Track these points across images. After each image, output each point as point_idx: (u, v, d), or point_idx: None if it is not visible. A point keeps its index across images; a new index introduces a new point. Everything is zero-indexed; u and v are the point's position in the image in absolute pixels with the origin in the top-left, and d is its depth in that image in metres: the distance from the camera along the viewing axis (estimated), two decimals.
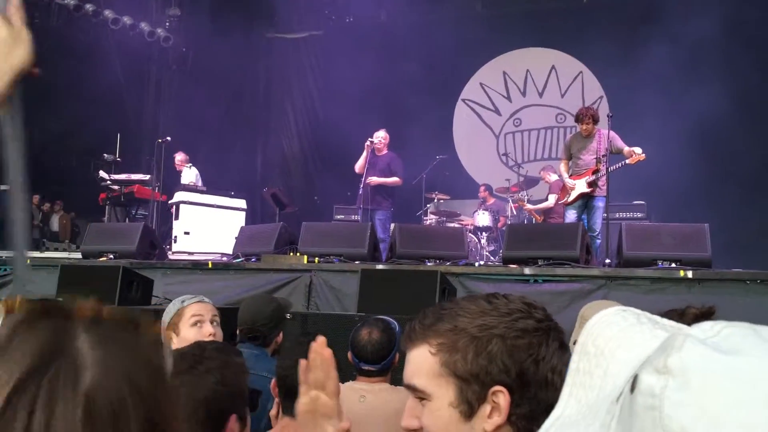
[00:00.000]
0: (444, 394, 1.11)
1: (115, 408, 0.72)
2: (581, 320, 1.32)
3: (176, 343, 2.55)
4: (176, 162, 9.89)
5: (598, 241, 7.30)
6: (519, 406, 1.09)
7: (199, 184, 9.81)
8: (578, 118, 7.57)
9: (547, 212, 9.49)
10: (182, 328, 2.64)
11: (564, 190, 7.73)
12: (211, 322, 2.70)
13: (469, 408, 1.10)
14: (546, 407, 1.08)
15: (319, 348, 1.29)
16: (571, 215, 7.55)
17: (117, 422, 0.72)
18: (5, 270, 6.87)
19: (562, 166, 7.72)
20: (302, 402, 1.29)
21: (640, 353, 0.58)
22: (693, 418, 0.49)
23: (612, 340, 0.64)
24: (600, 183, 7.30)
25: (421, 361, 1.14)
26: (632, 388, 0.54)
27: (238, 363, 1.73)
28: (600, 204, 7.33)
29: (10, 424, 0.67)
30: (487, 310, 1.13)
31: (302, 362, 1.28)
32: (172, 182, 9.82)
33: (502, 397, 1.09)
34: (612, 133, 7.42)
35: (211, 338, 2.62)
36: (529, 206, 9.74)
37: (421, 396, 1.14)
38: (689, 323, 1.42)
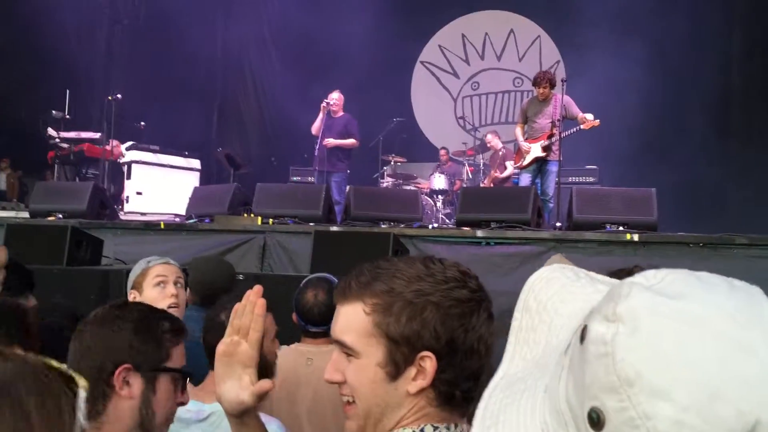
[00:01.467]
0: (373, 353, 1.13)
1: None
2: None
3: (140, 300, 2.57)
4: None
5: (551, 205, 7.42)
6: (444, 372, 1.11)
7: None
8: (535, 82, 7.62)
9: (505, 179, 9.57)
10: (146, 288, 2.67)
11: (519, 153, 7.81)
12: (175, 284, 2.72)
13: (395, 369, 1.12)
14: (469, 374, 1.11)
15: (253, 296, 1.29)
16: (525, 179, 7.65)
17: None
18: None
19: (518, 130, 7.78)
20: (222, 342, 1.29)
21: (583, 306, 0.59)
22: (645, 360, 0.51)
23: (554, 295, 0.65)
24: (554, 148, 7.39)
25: (354, 319, 1.15)
26: (581, 339, 0.55)
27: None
28: (553, 168, 7.44)
29: None
30: (423, 276, 1.14)
31: (236, 306, 1.29)
32: (123, 140, 9.58)
33: (429, 362, 1.11)
34: (567, 98, 7.50)
35: (173, 299, 2.67)
36: (499, 176, 9.70)
37: (348, 352, 1.16)
38: None
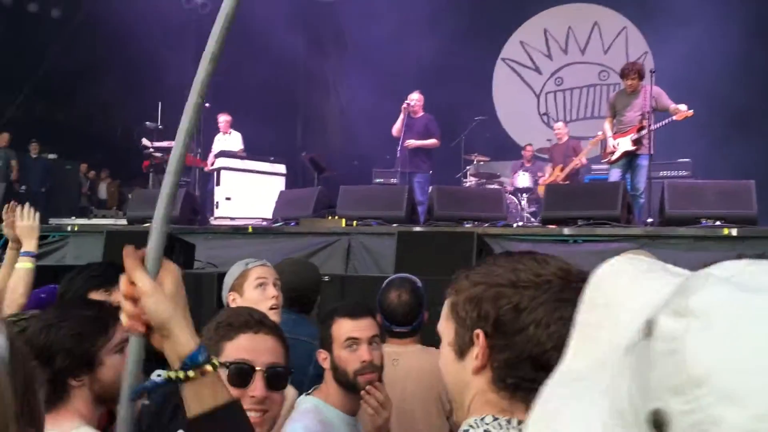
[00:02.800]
0: (448, 333, 1.19)
1: None
2: None
3: (240, 303, 2.62)
4: (220, 123, 9.93)
5: (642, 201, 7.16)
6: (500, 352, 1.13)
7: (238, 147, 9.89)
8: (623, 74, 7.37)
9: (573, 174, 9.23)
10: (246, 290, 2.69)
11: (606, 148, 7.56)
12: (274, 285, 2.74)
13: (460, 348, 1.16)
14: (526, 358, 1.12)
15: None
16: (615, 174, 7.37)
17: None
18: (54, 237, 7.08)
19: (607, 124, 7.54)
20: None
21: (652, 300, 0.54)
22: (718, 359, 0.46)
23: (622, 289, 0.60)
24: (644, 141, 7.13)
25: (445, 305, 1.22)
26: (648, 334, 0.51)
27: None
28: (644, 162, 7.16)
29: None
30: (501, 263, 1.18)
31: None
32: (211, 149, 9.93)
33: (481, 339, 1.14)
34: (657, 89, 7.22)
35: (274, 300, 2.69)
36: (561, 174, 9.40)
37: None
38: None
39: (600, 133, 7.48)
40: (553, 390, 0.59)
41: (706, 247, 5.17)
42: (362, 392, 2.24)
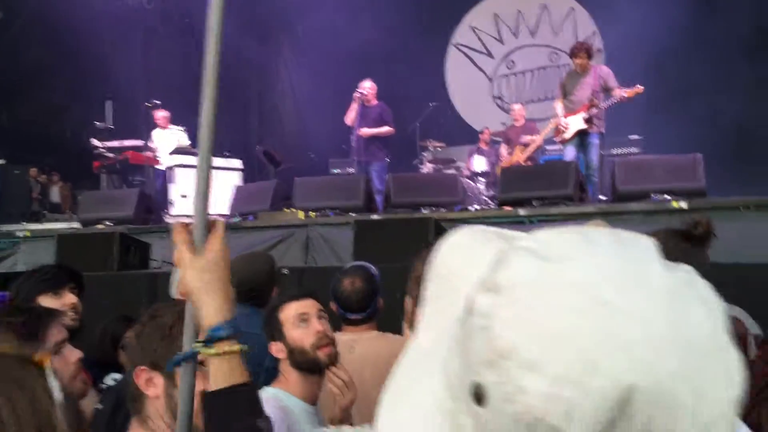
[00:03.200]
0: (407, 311, 1.28)
1: None
2: None
3: None
4: (158, 119, 9.56)
5: (595, 179, 7.27)
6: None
7: (186, 143, 9.65)
8: (572, 54, 7.46)
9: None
10: None
11: (558, 129, 7.64)
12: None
13: (413, 326, 1.23)
14: None
15: None
16: (570, 153, 7.43)
17: None
18: (3, 243, 6.91)
19: (558, 104, 7.61)
20: None
21: (484, 272, 0.55)
22: (521, 333, 0.48)
23: (461, 260, 0.62)
24: (595, 120, 7.23)
25: None
26: (469, 310, 0.53)
27: None
28: (595, 141, 7.28)
29: None
30: None
31: None
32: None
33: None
34: (606, 68, 7.32)
35: None
36: (522, 156, 9.48)
37: None
38: (687, 233, 1.42)
39: (556, 118, 7.55)
40: (404, 367, 0.60)
41: (658, 221, 5.26)
42: (327, 372, 2.27)
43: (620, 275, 0.49)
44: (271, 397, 2.25)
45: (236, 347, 1.17)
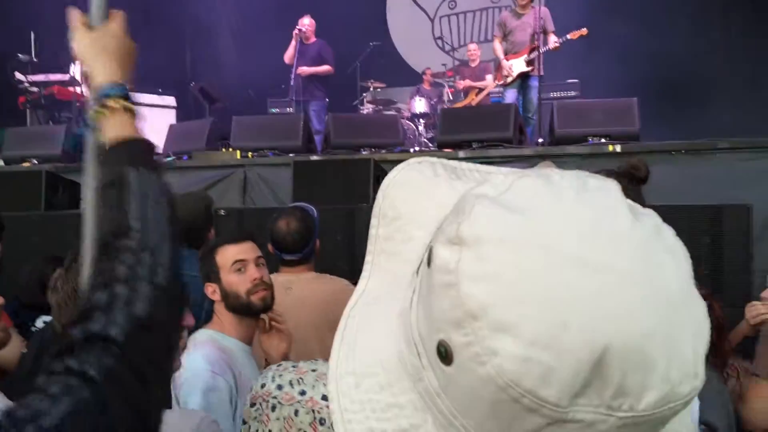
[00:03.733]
0: None
1: None
2: None
3: None
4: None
5: (533, 121, 7.33)
6: None
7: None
8: None
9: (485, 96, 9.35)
10: None
11: (499, 69, 7.62)
12: None
13: None
14: None
15: None
16: (510, 95, 7.45)
17: None
18: None
19: (497, 44, 7.56)
20: None
21: (438, 213, 0.53)
22: (491, 293, 0.46)
23: (409, 198, 0.58)
24: (535, 62, 7.23)
25: None
26: (428, 262, 0.50)
27: None
28: (534, 84, 7.31)
29: None
30: None
31: None
32: None
33: None
34: (545, 10, 7.30)
35: None
36: (476, 99, 9.42)
37: None
38: (624, 173, 1.43)
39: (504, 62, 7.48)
40: (351, 316, 0.57)
41: (594, 164, 5.35)
42: (263, 316, 2.27)
43: (591, 227, 0.47)
44: (208, 339, 2.24)
45: (128, 105, 1.15)
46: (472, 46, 9.86)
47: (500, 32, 7.54)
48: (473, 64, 9.58)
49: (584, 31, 7.05)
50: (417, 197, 0.58)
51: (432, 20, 12.76)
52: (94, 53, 1.19)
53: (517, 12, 7.35)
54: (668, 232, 0.50)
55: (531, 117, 7.29)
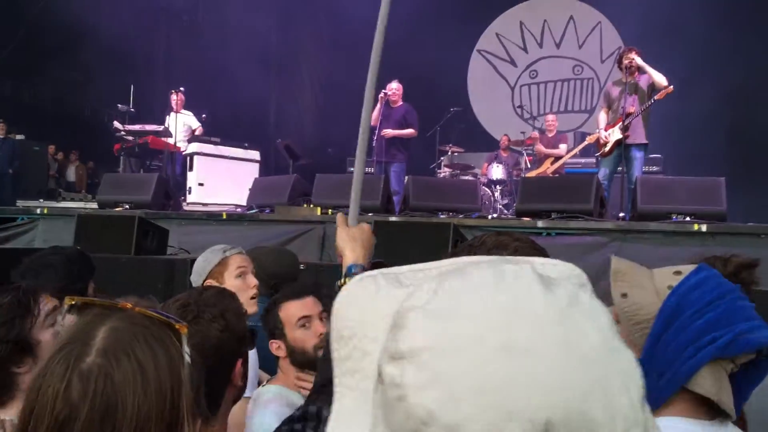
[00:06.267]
0: None
1: (112, 383, 0.93)
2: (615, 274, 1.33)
3: None
4: (173, 102, 9.49)
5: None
6: None
7: (195, 127, 9.62)
8: (622, 55, 7.08)
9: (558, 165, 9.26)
10: (227, 278, 2.63)
11: (598, 142, 7.30)
12: (253, 274, 2.72)
13: None
14: None
15: None
16: (602, 173, 7.08)
17: (112, 398, 0.93)
18: (22, 219, 6.95)
19: (602, 115, 7.22)
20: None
21: (385, 324, 0.57)
22: (435, 400, 0.49)
23: (360, 318, 0.62)
24: (638, 129, 6.90)
25: None
26: (380, 380, 0.54)
27: (236, 306, 1.77)
28: (638, 155, 6.95)
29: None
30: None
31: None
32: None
33: None
34: (646, 76, 7.02)
35: (254, 290, 2.66)
36: (552, 168, 9.32)
37: None
38: (733, 271, 1.43)
39: (597, 130, 7.26)
40: (337, 429, 0.60)
41: (677, 242, 5.26)
42: None
43: (511, 315, 0.51)
44: (276, 395, 2.26)
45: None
46: (550, 117, 9.88)
47: (605, 103, 7.30)
48: (550, 134, 9.60)
49: (670, 88, 6.81)
50: (364, 313, 0.61)
51: (512, 88, 12.91)
52: (348, 242, 1.61)
53: (621, 81, 7.16)
54: (583, 297, 0.54)
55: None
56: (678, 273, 1.26)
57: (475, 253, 1.33)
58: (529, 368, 0.49)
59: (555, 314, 0.51)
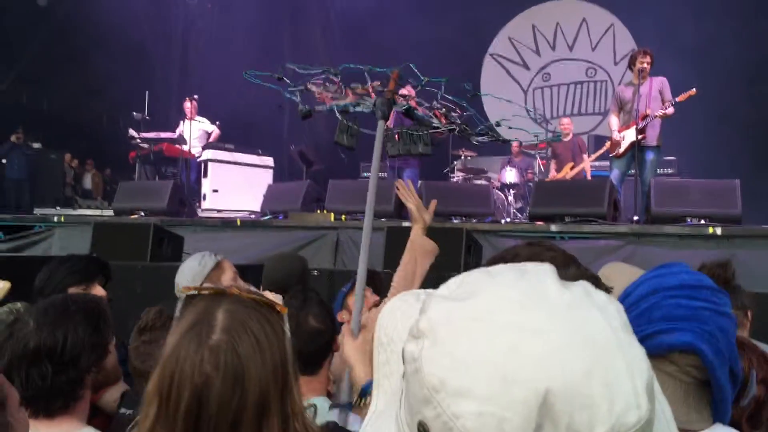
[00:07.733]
0: None
1: (237, 356, 1.10)
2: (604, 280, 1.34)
3: None
4: (186, 109, 9.51)
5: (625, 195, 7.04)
6: None
7: (211, 131, 9.66)
8: (634, 58, 7.00)
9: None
10: (224, 281, 2.66)
11: (612, 143, 7.24)
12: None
13: None
14: None
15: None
16: (614, 174, 7.04)
17: (239, 368, 1.09)
18: (39, 228, 7.03)
19: (613, 118, 7.18)
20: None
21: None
22: (446, 368, 0.54)
23: (398, 324, 0.70)
24: (652, 131, 6.82)
25: None
26: (403, 359, 0.59)
27: (320, 299, 2.10)
28: (650, 157, 6.86)
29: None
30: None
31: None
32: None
33: None
34: (663, 79, 6.91)
35: None
36: (571, 173, 9.24)
37: None
38: (732, 275, 1.47)
39: (612, 132, 7.19)
40: (368, 430, 0.68)
41: (692, 245, 5.23)
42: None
43: (521, 299, 0.56)
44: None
45: None
46: (565, 120, 9.75)
47: (616, 106, 7.22)
48: (566, 138, 9.50)
49: (693, 91, 6.66)
50: (402, 321, 0.70)
51: (525, 92, 12.89)
52: (357, 356, 1.61)
53: (632, 83, 7.08)
54: (599, 295, 0.59)
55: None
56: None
57: None
58: (535, 344, 0.53)
59: (567, 302, 0.56)
